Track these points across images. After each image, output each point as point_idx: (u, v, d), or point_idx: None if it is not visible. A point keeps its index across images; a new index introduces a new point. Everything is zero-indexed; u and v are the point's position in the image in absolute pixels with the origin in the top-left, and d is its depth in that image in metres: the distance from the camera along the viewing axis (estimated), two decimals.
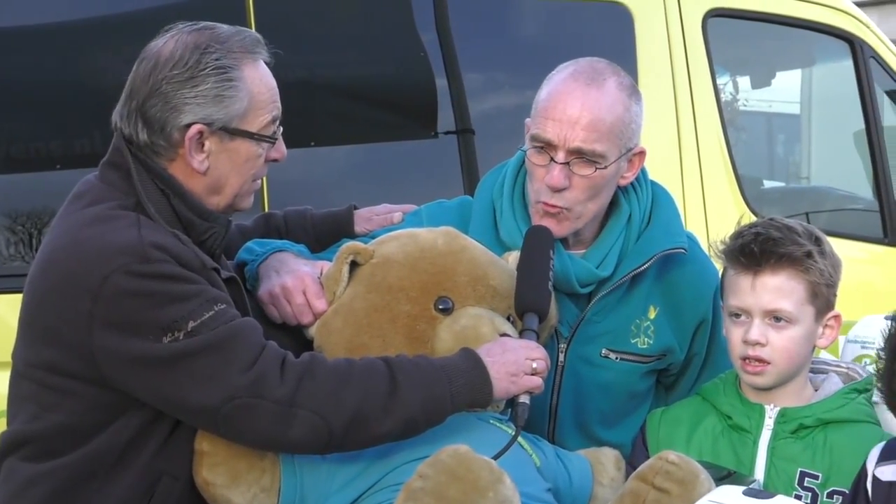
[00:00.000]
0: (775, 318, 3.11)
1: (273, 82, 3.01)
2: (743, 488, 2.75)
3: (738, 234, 3.18)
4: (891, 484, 2.91)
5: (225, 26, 2.98)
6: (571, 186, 3.27)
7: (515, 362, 2.98)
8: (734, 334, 3.16)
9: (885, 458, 2.95)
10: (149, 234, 2.82)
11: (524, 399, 3.01)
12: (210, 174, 2.95)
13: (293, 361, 2.84)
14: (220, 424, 2.82)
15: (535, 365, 3.01)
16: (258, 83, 2.95)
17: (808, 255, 3.11)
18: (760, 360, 3.12)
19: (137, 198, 2.90)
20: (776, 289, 3.10)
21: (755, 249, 3.11)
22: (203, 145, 2.92)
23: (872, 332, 3.51)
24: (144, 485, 2.90)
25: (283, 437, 2.82)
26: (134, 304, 2.77)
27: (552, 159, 3.26)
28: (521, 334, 3.09)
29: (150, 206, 2.89)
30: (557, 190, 3.26)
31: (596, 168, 3.25)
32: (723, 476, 3.00)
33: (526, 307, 3.11)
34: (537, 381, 3.02)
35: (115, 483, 2.89)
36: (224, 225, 3.03)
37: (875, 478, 2.94)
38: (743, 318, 3.15)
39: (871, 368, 3.15)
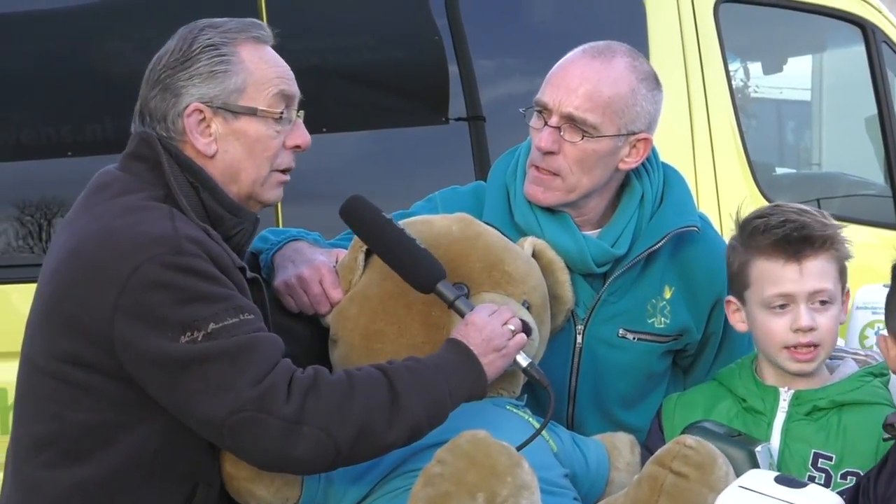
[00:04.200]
0: (819, 301, 3.13)
1: (281, 62, 2.97)
2: (775, 474, 2.76)
3: (764, 228, 3.16)
4: None
5: (225, 18, 2.97)
6: (561, 153, 3.29)
7: (494, 335, 2.94)
8: (776, 324, 3.15)
9: None
10: (183, 226, 2.78)
11: (522, 360, 3.00)
12: (220, 158, 2.91)
13: (299, 377, 2.77)
14: (226, 437, 2.76)
15: (511, 327, 2.98)
16: (256, 61, 2.91)
17: (838, 235, 3.16)
18: (811, 345, 3.13)
19: (167, 190, 2.86)
20: (820, 272, 3.12)
21: (795, 236, 3.12)
22: (209, 128, 2.90)
23: (880, 298, 3.53)
24: (182, 494, 2.87)
25: (289, 455, 2.75)
26: (159, 297, 2.71)
27: (546, 123, 3.28)
28: (456, 303, 3.01)
29: (182, 199, 2.85)
30: (546, 153, 3.28)
31: (584, 136, 3.26)
32: (734, 436, 3.03)
33: (431, 282, 3.03)
34: (522, 339, 3.00)
35: (150, 493, 2.84)
36: (252, 221, 2.99)
37: None
38: (787, 306, 3.14)
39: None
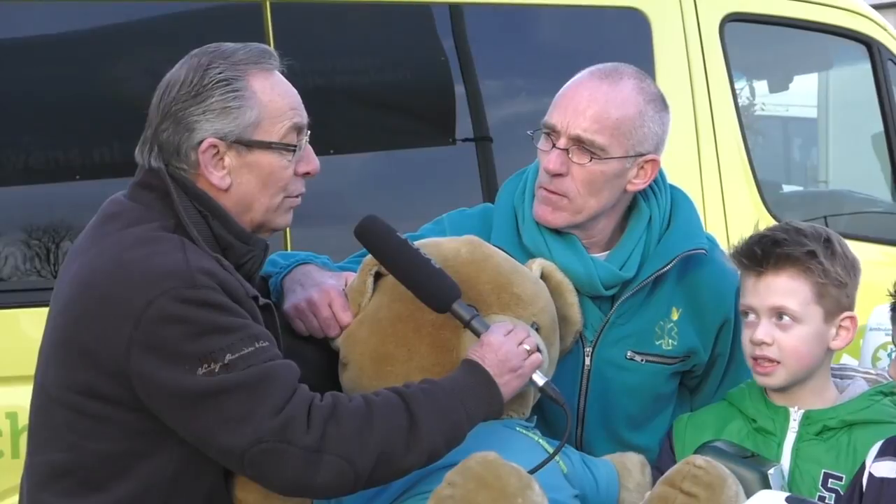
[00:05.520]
0: (779, 316, 3.14)
1: (290, 90, 2.96)
2: (786, 495, 2.77)
3: (748, 238, 3.22)
4: (882, 480, 2.92)
5: (231, 43, 2.95)
6: (570, 175, 3.30)
7: (509, 355, 2.95)
8: (745, 335, 3.21)
9: (882, 453, 2.96)
10: (195, 258, 2.77)
11: (538, 379, 3.01)
12: (235, 191, 2.90)
13: (318, 405, 2.77)
14: (247, 467, 2.75)
15: (527, 347, 2.99)
16: (269, 92, 2.90)
17: (811, 254, 3.13)
18: (769, 360, 3.15)
19: (177, 220, 2.85)
20: (779, 289, 3.13)
21: (757, 251, 3.15)
22: (223, 161, 2.88)
23: None
24: None
25: (310, 483, 2.76)
26: (175, 331, 2.71)
27: (554, 145, 3.29)
28: (472, 322, 3.01)
29: (192, 229, 2.84)
30: (554, 174, 3.29)
31: (592, 158, 3.27)
32: (746, 456, 3.04)
33: (447, 301, 3.04)
34: (538, 359, 3.01)
35: None
36: (262, 248, 2.99)
37: (870, 474, 2.95)
38: (751, 318, 3.18)
39: None
